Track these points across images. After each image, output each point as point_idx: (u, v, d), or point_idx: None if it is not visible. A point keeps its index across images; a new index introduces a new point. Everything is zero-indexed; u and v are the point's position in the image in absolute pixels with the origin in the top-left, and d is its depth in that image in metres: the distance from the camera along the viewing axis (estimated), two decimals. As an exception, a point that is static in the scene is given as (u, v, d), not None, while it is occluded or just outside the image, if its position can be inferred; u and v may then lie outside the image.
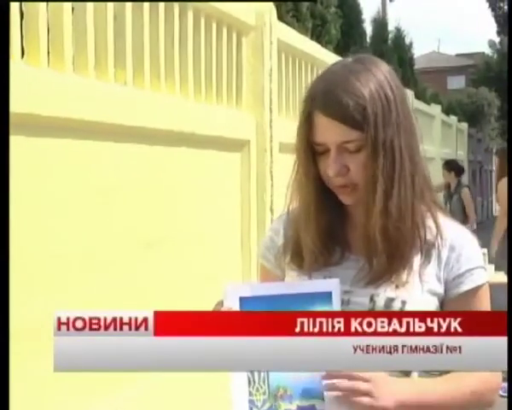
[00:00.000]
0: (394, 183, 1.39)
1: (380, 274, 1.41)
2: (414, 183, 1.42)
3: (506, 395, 3.54)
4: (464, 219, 7.01)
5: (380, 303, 1.40)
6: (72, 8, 2.49)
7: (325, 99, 1.38)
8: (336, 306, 1.34)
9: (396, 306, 1.39)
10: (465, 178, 16.02)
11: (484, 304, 1.46)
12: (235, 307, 1.34)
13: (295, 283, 1.45)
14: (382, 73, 1.42)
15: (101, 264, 2.61)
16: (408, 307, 1.39)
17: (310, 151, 1.43)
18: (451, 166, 7.74)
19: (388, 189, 1.38)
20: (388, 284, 1.41)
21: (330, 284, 1.36)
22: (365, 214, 1.41)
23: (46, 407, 2.35)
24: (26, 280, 2.15)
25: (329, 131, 1.38)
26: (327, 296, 1.35)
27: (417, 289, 1.42)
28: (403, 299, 1.40)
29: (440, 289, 1.44)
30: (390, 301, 1.40)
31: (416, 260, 1.43)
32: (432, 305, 1.43)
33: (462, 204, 7.44)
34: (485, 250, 5.15)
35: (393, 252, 1.40)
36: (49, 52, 2.35)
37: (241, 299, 1.35)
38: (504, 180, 6.26)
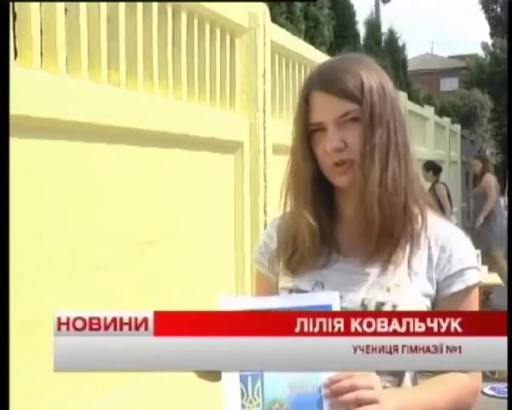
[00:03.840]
0: (389, 159, 1.41)
1: (371, 254, 1.41)
2: (407, 168, 1.44)
3: (494, 393, 3.54)
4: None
5: (371, 308, 1.40)
6: (66, 9, 2.49)
7: (323, 78, 1.43)
8: None
9: (387, 310, 1.39)
10: (457, 180, 16.06)
11: (474, 304, 1.46)
12: None
13: (293, 296, 1.43)
14: (377, 68, 1.48)
15: (95, 264, 2.61)
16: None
17: (306, 136, 1.45)
18: (428, 166, 8.31)
19: (384, 164, 1.40)
20: (380, 283, 1.41)
21: (330, 297, 1.33)
22: (362, 188, 1.41)
23: (46, 407, 2.34)
24: (21, 281, 2.14)
25: (327, 107, 1.41)
26: (327, 310, 1.31)
27: (408, 292, 1.41)
28: (394, 303, 1.39)
29: (432, 291, 1.44)
30: (381, 305, 1.40)
31: (407, 260, 1.43)
32: (423, 307, 1.43)
33: (438, 200, 7.77)
34: (479, 252, 5.20)
35: (383, 228, 1.40)
36: (42, 53, 2.35)
37: None
38: (490, 175, 9.11)
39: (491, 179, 9.22)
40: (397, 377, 1.42)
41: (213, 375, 1.32)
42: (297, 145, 1.47)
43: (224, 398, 1.29)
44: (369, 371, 1.28)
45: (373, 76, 1.43)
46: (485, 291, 7.79)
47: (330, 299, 1.33)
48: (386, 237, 1.41)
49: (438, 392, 1.40)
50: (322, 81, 1.43)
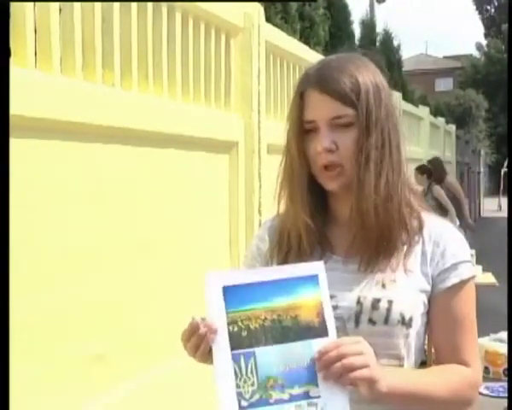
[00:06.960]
0: (383, 165, 1.41)
1: (367, 259, 1.42)
2: (400, 172, 1.44)
3: (488, 393, 3.54)
4: (443, 216, 7.28)
5: (367, 305, 1.40)
6: (60, 9, 2.48)
7: (319, 76, 1.42)
8: (324, 288, 1.31)
9: (383, 306, 1.39)
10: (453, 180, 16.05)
11: (470, 298, 1.47)
12: (219, 297, 1.29)
13: (279, 267, 1.42)
14: (373, 67, 1.47)
15: (93, 264, 2.60)
16: (395, 307, 1.39)
17: (301, 132, 1.45)
18: (423, 169, 8.26)
19: (378, 170, 1.40)
20: (375, 279, 1.41)
21: (315, 267, 1.33)
22: (357, 195, 1.41)
23: (46, 407, 2.34)
24: (21, 281, 2.13)
25: (321, 107, 1.41)
26: (313, 280, 1.31)
27: (403, 288, 1.42)
28: (389, 299, 1.40)
29: (427, 286, 1.45)
30: (377, 301, 1.40)
31: (402, 256, 1.44)
32: (419, 302, 1.43)
33: (438, 202, 7.79)
34: (473, 251, 5.21)
35: (380, 235, 1.41)
36: (36, 53, 2.34)
37: (225, 288, 1.31)
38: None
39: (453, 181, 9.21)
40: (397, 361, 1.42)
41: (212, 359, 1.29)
42: (291, 143, 1.47)
43: (218, 381, 1.26)
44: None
45: (370, 78, 1.42)
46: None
47: (316, 268, 1.33)
48: (382, 239, 1.42)
49: (438, 379, 1.40)
50: (318, 79, 1.42)
